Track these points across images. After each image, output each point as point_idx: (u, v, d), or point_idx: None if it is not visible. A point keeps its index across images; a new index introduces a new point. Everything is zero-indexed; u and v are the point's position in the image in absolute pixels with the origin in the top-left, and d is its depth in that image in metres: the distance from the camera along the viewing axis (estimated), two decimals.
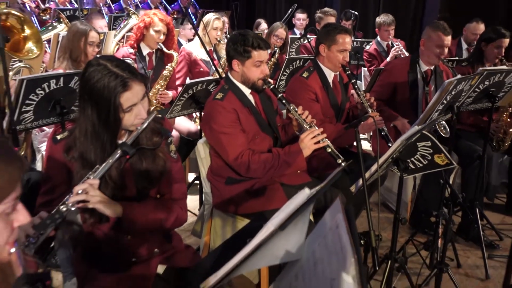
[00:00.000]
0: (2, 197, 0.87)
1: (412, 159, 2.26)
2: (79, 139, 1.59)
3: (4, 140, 0.96)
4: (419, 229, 3.25)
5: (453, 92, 2.50)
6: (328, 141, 2.29)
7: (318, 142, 2.27)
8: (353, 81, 2.76)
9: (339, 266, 0.90)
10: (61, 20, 4.42)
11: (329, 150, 2.28)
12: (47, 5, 6.41)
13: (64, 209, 1.39)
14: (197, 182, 3.57)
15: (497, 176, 3.81)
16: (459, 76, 2.55)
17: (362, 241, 1.99)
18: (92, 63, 1.57)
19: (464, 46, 5.07)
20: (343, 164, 2.24)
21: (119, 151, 1.52)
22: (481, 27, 4.81)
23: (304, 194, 1.32)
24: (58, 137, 1.65)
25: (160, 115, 1.86)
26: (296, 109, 2.35)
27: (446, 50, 3.16)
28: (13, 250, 0.91)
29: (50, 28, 4.35)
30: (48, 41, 4.22)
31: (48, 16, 5.98)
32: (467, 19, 5.10)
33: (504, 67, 3.10)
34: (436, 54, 3.14)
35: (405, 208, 3.47)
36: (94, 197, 1.47)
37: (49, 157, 1.68)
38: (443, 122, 3.06)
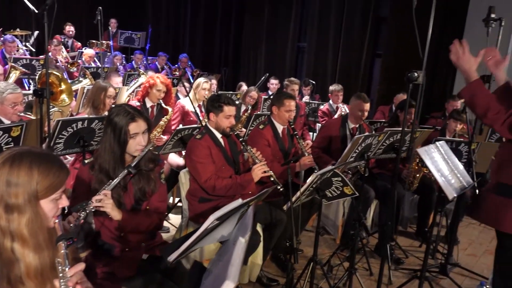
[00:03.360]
0: (56, 189, 1.28)
1: (330, 189, 2.68)
2: (100, 154, 2.03)
3: (56, 154, 1.41)
4: (346, 247, 3.67)
5: (362, 145, 3.01)
6: (271, 172, 2.75)
7: (265, 172, 2.73)
8: (295, 133, 3.25)
9: (241, 234, 1.35)
10: (86, 76, 4.93)
11: (272, 178, 2.75)
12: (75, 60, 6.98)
13: (85, 205, 1.83)
14: (180, 204, 3.96)
15: (409, 210, 4.28)
16: (366, 133, 3.07)
17: (288, 244, 2.44)
18: (116, 105, 2.10)
19: None
20: (281, 189, 2.72)
21: (125, 171, 1.96)
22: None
23: (238, 201, 1.79)
24: (86, 161, 2.10)
25: (156, 152, 2.33)
26: (252, 149, 2.83)
27: (366, 113, 3.67)
28: (56, 220, 1.32)
29: (77, 82, 4.85)
30: (75, 91, 4.71)
31: (75, 68, 6.50)
32: (398, 90, 5.73)
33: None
34: (358, 116, 3.66)
35: (337, 230, 3.91)
36: (107, 204, 1.89)
37: (78, 175, 2.09)
38: (363, 165, 3.51)
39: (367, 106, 3.70)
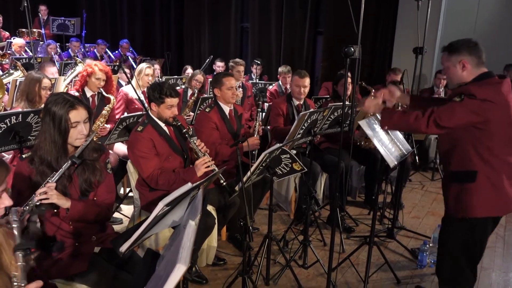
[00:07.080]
0: None
1: (279, 167, 2.74)
2: (39, 145, 1.93)
3: None
4: (300, 221, 3.79)
5: (308, 121, 3.09)
6: (215, 166, 2.71)
7: (208, 167, 2.70)
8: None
9: (191, 217, 1.36)
10: (17, 67, 4.61)
11: (215, 171, 2.74)
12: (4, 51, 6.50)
13: (31, 203, 1.74)
14: (132, 194, 3.88)
15: (357, 181, 4.48)
16: (311, 109, 3.15)
17: (242, 223, 2.47)
18: (53, 94, 1.98)
19: None
20: (224, 184, 2.72)
21: (69, 161, 1.89)
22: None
23: (188, 186, 1.78)
24: (24, 156, 1.99)
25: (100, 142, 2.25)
26: (195, 142, 2.73)
27: (304, 89, 3.74)
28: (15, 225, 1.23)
29: (7, 74, 4.53)
30: (7, 84, 4.40)
31: (7, 60, 6.07)
32: (341, 66, 5.88)
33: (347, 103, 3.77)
34: (296, 91, 3.73)
35: (289, 206, 4.01)
36: (52, 195, 1.82)
37: (17, 170, 1.98)
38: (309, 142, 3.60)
39: (303, 81, 3.76)
